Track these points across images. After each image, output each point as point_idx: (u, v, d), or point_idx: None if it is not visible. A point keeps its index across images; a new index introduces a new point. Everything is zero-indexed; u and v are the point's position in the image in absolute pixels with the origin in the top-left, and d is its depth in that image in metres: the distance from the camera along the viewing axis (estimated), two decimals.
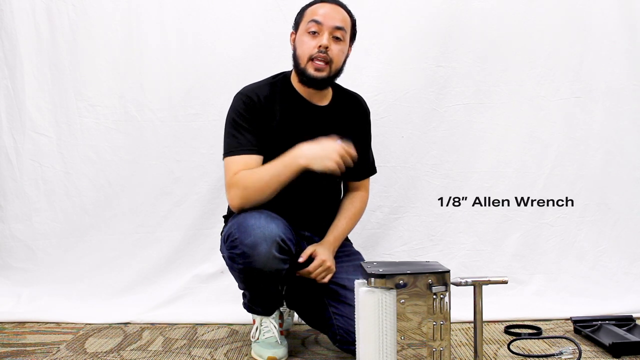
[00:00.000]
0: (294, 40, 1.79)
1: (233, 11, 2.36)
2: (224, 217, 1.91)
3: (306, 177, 1.70)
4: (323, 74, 1.73)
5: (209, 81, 2.36)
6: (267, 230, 1.59)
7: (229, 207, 1.85)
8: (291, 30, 1.83)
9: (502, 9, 2.35)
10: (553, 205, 2.39)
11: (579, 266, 2.37)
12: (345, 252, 1.91)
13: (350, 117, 1.89)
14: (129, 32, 2.37)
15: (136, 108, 2.38)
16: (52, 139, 2.40)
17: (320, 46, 1.70)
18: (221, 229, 1.86)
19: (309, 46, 1.71)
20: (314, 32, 1.71)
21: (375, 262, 1.55)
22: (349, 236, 2.02)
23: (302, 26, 1.76)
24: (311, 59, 1.71)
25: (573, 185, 2.39)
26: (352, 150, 1.62)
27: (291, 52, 1.79)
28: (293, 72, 1.82)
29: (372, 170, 2.00)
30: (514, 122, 2.38)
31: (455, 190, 2.38)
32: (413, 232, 2.36)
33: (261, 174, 1.65)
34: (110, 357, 1.81)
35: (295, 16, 1.83)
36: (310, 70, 1.72)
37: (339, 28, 1.73)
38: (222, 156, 1.75)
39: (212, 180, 2.36)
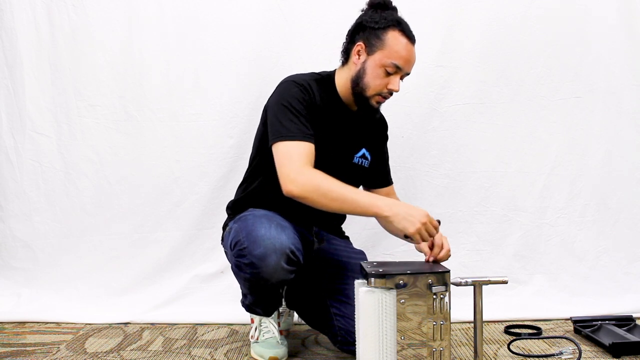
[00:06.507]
0: (363, 61, 1.71)
1: (233, 11, 2.36)
2: (228, 206, 1.89)
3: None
4: (380, 105, 1.78)
5: (209, 81, 2.37)
6: (278, 242, 1.57)
7: (237, 195, 1.86)
8: (358, 41, 1.71)
9: (502, 9, 2.35)
10: (553, 205, 2.39)
11: (579, 266, 2.37)
12: (349, 251, 1.91)
13: (373, 124, 1.92)
14: (129, 32, 2.37)
15: (136, 108, 2.38)
16: (52, 139, 2.40)
17: (391, 89, 1.71)
18: (224, 222, 1.86)
19: (381, 83, 1.70)
20: (390, 73, 1.70)
21: (375, 262, 1.56)
22: (349, 235, 2.03)
23: (380, 58, 1.68)
24: (378, 94, 1.72)
25: (573, 185, 2.39)
26: (435, 224, 1.55)
27: (356, 66, 1.72)
28: (337, 74, 1.81)
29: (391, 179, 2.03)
30: (514, 122, 2.38)
31: (455, 190, 2.38)
32: None
33: (341, 191, 1.57)
34: (110, 357, 1.81)
35: (364, 21, 1.71)
36: (373, 102, 1.74)
37: (408, 73, 1.75)
38: (273, 138, 1.65)
39: (212, 180, 2.36)
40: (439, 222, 1.59)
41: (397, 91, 1.72)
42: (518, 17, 2.35)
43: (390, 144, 2.02)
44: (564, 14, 2.36)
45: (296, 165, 1.59)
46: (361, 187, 1.97)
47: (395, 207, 1.54)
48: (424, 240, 1.55)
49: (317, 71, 1.84)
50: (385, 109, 1.97)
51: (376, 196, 1.62)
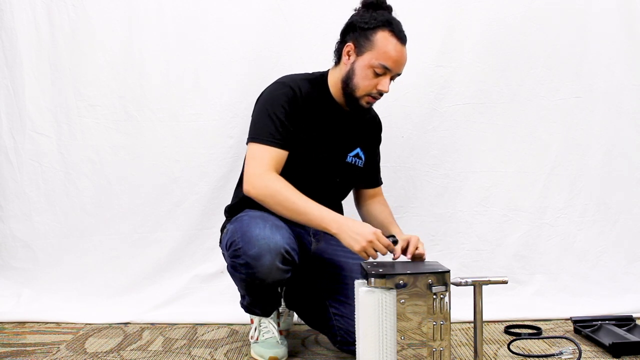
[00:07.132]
0: (352, 62, 1.71)
1: (233, 11, 2.36)
2: (226, 210, 1.89)
3: (316, 175, 1.75)
4: (371, 106, 1.78)
5: (209, 81, 2.37)
6: (272, 241, 1.58)
7: (235, 199, 1.87)
8: (348, 41, 1.71)
9: (502, 9, 2.35)
10: (553, 205, 2.39)
11: (579, 266, 2.37)
12: (347, 251, 1.90)
13: (367, 125, 1.92)
14: (129, 32, 2.37)
15: (136, 108, 2.38)
16: (52, 139, 2.40)
17: (380, 90, 1.71)
18: (222, 224, 1.86)
19: (370, 84, 1.70)
20: (379, 74, 1.69)
21: (375, 262, 1.56)
22: None
23: (368, 59, 1.68)
24: (368, 94, 1.72)
25: (573, 185, 2.39)
26: (385, 242, 1.56)
27: (346, 67, 1.72)
28: (330, 74, 1.81)
29: (380, 180, 2.03)
30: (514, 122, 2.38)
31: (455, 190, 2.38)
32: (413, 232, 2.32)
33: (295, 202, 1.60)
34: (110, 357, 1.82)
35: (355, 21, 1.71)
36: (363, 103, 1.74)
37: (399, 74, 1.74)
38: (248, 139, 1.71)
39: (212, 180, 2.36)
40: (394, 242, 1.60)
41: (386, 92, 1.72)
42: (518, 17, 2.35)
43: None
44: (563, 14, 2.36)
45: (260, 168, 1.65)
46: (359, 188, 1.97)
47: (343, 224, 1.57)
48: (372, 257, 1.57)
49: (314, 71, 1.85)
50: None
51: (328, 212, 1.60)
